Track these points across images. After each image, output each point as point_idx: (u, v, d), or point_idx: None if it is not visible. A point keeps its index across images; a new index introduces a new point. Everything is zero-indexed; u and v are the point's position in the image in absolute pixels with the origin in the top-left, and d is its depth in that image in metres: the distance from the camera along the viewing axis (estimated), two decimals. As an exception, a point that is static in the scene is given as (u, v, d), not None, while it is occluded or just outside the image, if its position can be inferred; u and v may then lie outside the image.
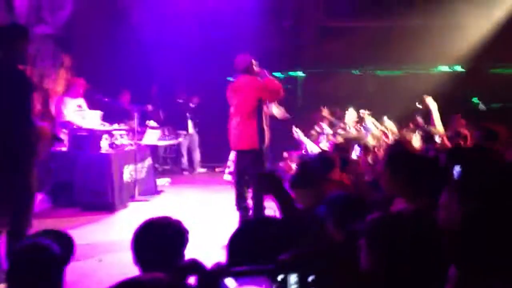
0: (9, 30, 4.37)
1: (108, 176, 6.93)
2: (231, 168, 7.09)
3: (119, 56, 9.60)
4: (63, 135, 7.20)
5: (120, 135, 7.66)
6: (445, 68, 13.37)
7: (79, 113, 7.44)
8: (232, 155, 6.77)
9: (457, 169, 2.87)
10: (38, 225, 4.09)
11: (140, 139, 8.06)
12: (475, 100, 13.41)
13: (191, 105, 10.42)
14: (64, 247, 2.22)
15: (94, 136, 7.08)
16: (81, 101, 7.59)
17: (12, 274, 2.11)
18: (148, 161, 8.24)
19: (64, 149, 7.12)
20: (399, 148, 4.72)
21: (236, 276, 0.80)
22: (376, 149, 6.51)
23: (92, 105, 7.77)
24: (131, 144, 7.73)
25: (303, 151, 8.02)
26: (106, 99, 7.89)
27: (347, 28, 11.84)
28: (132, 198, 7.50)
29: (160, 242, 2.26)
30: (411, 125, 9.10)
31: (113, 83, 9.10)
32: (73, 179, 6.97)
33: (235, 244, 2.33)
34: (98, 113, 7.56)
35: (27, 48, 4.38)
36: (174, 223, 2.35)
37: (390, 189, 3.12)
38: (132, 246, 2.27)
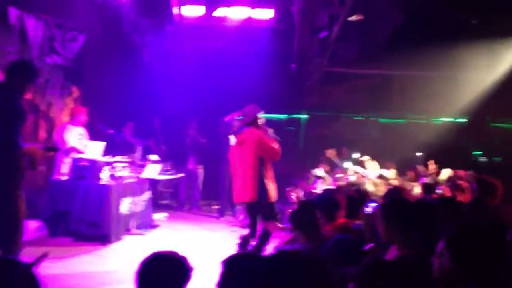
0: (22, 68, 4.52)
1: (106, 207, 6.92)
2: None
3: (126, 89, 9.78)
4: (65, 164, 7.28)
5: (122, 167, 7.70)
6: (447, 119, 13.51)
7: (81, 141, 7.50)
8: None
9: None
10: (32, 252, 4.09)
11: (141, 173, 8.10)
12: (476, 153, 13.51)
13: (200, 140, 10.44)
14: None
15: (95, 166, 7.13)
16: (82, 130, 7.64)
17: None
18: (147, 194, 8.25)
19: (64, 178, 7.17)
20: (395, 195, 4.76)
21: None
22: (374, 195, 6.56)
23: (95, 136, 7.83)
24: (132, 177, 7.76)
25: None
26: (110, 131, 7.97)
27: (350, 75, 12.05)
28: (127, 231, 7.49)
29: (165, 276, 2.28)
30: (412, 174, 9.19)
31: (118, 116, 9.23)
32: (71, 208, 6.97)
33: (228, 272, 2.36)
34: (101, 144, 7.62)
35: (31, 86, 4.58)
36: (180, 259, 2.37)
37: (385, 235, 3.16)
38: (137, 277, 2.28)
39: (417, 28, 9.29)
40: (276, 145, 5.89)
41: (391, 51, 9.90)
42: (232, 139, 6.13)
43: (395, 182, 7.68)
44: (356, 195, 5.42)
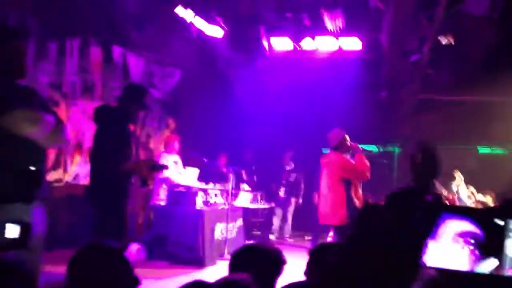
0: (133, 91, 4.78)
1: (200, 231, 7.12)
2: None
3: (220, 121, 10.13)
4: (162, 191, 7.64)
5: (215, 194, 7.93)
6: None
7: (175, 168, 7.83)
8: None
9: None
10: None
11: (233, 200, 8.27)
12: None
13: (292, 176, 10.52)
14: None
15: (190, 192, 7.41)
16: (177, 158, 7.98)
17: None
18: (239, 222, 8.39)
19: (162, 203, 7.52)
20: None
21: (457, 213, 0.78)
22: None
23: (190, 164, 8.15)
24: (224, 204, 7.95)
25: None
26: (205, 160, 8.26)
27: (445, 102, 11.63)
28: (221, 256, 7.61)
29: (258, 266, 2.32)
30: None
31: (212, 146, 9.56)
32: (168, 232, 7.26)
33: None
34: (195, 171, 7.91)
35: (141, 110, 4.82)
36: (274, 251, 2.41)
37: None
38: (230, 266, 2.32)
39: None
40: (365, 161, 5.90)
41: (488, 74, 9.45)
42: None
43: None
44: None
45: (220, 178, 8.71)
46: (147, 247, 7.32)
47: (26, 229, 2.68)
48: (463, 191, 8.06)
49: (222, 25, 9.32)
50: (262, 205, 9.83)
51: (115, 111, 4.66)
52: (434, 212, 0.72)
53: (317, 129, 11.27)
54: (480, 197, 7.85)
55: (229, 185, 8.25)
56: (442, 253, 0.69)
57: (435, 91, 10.75)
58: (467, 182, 9.27)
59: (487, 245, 0.65)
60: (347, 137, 6.06)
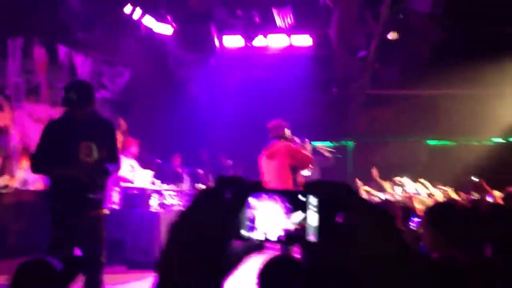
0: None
1: (156, 234, 7.00)
2: None
3: (173, 121, 9.99)
4: (116, 194, 7.44)
5: (170, 195, 7.80)
6: (498, 140, 13.04)
7: (131, 173, 7.67)
8: None
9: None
10: None
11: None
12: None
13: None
14: (69, 265, 2.28)
15: (144, 194, 7.26)
16: (134, 162, 7.81)
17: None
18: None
19: (116, 207, 7.32)
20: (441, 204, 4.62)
21: (262, 192, 0.85)
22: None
23: (144, 166, 7.99)
24: (180, 205, 7.83)
25: None
26: (159, 161, 8.11)
27: (395, 97, 11.90)
28: (179, 258, 7.49)
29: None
30: (463, 195, 8.88)
31: (165, 147, 9.41)
32: (124, 236, 7.09)
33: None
34: (149, 173, 7.76)
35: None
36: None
37: (431, 244, 3.03)
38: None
39: (459, 44, 9.12)
40: (307, 152, 6.03)
41: (434, 69, 9.73)
42: None
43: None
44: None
45: (175, 179, 8.57)
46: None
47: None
48: (420, 189, 8.24)
49: (172, 23, 9.19)
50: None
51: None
52: (242, 192, 0.76)
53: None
54: (436, 191, 8.04)
55: (184, 186, 8.14)
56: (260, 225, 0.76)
57: (384, 87, 10.98)
58: (420, 174, 9.50)
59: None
60: (287, 130, 6.12)
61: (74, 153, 4.00)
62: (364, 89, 10.78)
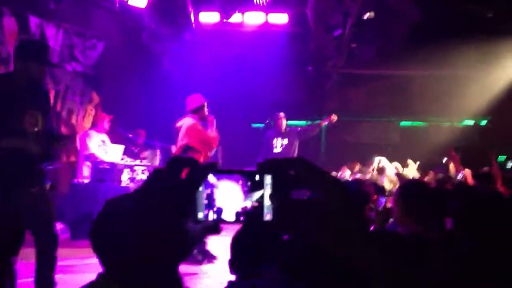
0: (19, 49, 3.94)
1: (126, 209, 7.00)
2: None
3: (146, 95, 9.91)
4: (86, 168, 7.42)
5: (141, 170, 7.80)
6: (470, 122, 13.24)
7: (102, 147, 7.63)
8: None
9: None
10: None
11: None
12: (501, 158, 13.12)
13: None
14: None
15: (115, 169, 7.25)
16: (105, 137, 7.76)
17: None
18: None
19: (86, 181, 7.31)
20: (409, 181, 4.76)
21: (220, 173, 0.87)
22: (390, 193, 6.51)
23: (115, 140, 7.95)
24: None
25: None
26: (130, 135, 8.08)
27: (370, 76, 11.97)
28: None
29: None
30: (432, 173, 9.06)
31: (137, 121, 9.34)
32: (93, 210, 7.08)
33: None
34: (120, 148, 7.74)
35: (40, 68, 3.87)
36: None
37: (401, 221, 3.14)
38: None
39: (434, 25, 9.18)
40: (212, 135, 6.06)
41: (409, 50, 9.79)
42: None
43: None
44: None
45: (142, 154, 8.51)
46: (70, 226, 7.13)
47: None
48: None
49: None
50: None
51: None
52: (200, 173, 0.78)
53: (246, 103, 11.32)
54: (404, 170, 8.19)
55: (156, 160, 8.14)
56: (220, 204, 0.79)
57: (359, 66, 11.03)
58: (392, 155, 9.62)
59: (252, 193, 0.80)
60: (205, 106, 6.17)
61: (18, 122, 3.70)
62: (339, 68, 10.82)
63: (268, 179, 0.84)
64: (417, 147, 11.86)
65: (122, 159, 7.71)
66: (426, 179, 8.29)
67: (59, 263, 4.09)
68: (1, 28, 7.26)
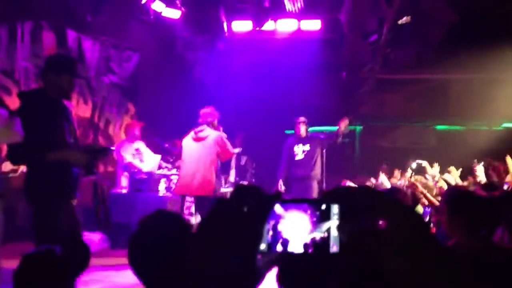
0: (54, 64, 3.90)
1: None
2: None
3: (181, 105, 9.99)
4: (124, 178, 7.50)
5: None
6: (509, 125, 12.93)
7: (137, 156, 7.67)
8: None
9: None
10: (94, 263, 4.10)
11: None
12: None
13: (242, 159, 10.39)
14: (78, 257, 2.29)
15: (152, 179, 7.31)
16: (140, 144, 7.76)
17: (19, 275, 2.16)
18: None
19: (124, 191, 7.39)
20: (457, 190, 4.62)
21: (286, 203, 0.84)
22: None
23: (152, 149, 8.00)
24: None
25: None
26: (166, 145, 8.13)
27: (405, 81, 11.80)
28: (186, 241, 7.54)
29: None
30: (471, 179, 8.84)
31: (174, 131, 9.41)
32: (131, 220, 7.14)
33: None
34: (157, 157, 7.79)
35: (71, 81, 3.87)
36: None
37: (449, 230, 3.05)
38: None
39: (472, 27, 8.98)
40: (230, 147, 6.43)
41: (447, 54, 9.61)
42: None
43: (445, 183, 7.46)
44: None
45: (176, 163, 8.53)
46: (110, 236, 7.21)
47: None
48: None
49: (181, 7, 9.14)
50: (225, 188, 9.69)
51: (34, 94, 4.00)
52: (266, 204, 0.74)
53: (280, 111, 11.28)
54: (446, 176, 7.99)
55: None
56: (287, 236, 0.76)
57: (394, 71, 10.88)
58: (428, 159, 9.44)
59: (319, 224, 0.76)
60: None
61: (60, 135, 3.73)
62: (374, 73, 10.69)
63: (335, 208, 0.81)
64: (453, 151, 11.62)
65: (158, 169, 7.76)
66: (465, 183, 8.10)
67: (99, 272, 4.12)
68: (40, 42, 7.43)
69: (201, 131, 6.35)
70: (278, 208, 0.82)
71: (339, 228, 0.80)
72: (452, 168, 8.30)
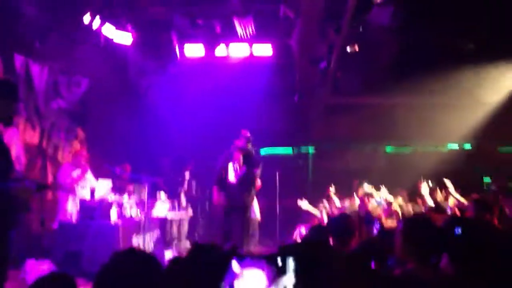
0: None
1: (116, 246, 6.89)
2: None
3: (133, 130, 9.89)
4: (73, 205, 7.31)
5: (130, 205, 7.71)
6: (454, 146, 13.41)
7: (82, 183, 7.50)
8: None
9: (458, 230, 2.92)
10: None
11: (150, 210, 8.08)
12: (486, 179, 13.25)
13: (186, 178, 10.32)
14: None
15: (103, 205, 7.15)
16: (81, 171, 7.53)
17: None
18: (156, 232, 8.23)
19: (73, 218, 7.20)
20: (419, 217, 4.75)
21: (242, 259, 0.86)
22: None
23: (102, 175, 7.85)
24: (141, 215, 7.75)
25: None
26: (117, 170, 8.01)
27: (355, 105, 12.10)
28: (139, 269, 7.40)
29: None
30: (420, 201, 9.09)
31: (124, 156, 9.29)
32: (82, 248, 6.95)
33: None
34: (108, 183, 7.64)
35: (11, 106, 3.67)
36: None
37: (403, 253, 3.12)
38: None
39: (416, 55, 9.39)
40: None
41: (392, 79, 9.98)
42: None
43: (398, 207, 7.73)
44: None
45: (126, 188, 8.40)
46: (60, 265, 6.98)
47: None
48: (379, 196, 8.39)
49: (132, 31, 9.10)
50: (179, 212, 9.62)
51: None
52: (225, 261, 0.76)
53: (232, 134, 11.32)
54: (391, 198, 8.21)
55: (144, 195, 8.05)
56: None
57: (345, 95, 11.16)
58: (378, 181, 9.65)
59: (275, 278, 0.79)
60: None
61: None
62: (325, 97, 10.93)
63: (291, 262, 0.82)
64: (403, 172, 11.93)
65: (109, 194, 7.60)
66: (415, 207, 8.33)
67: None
68: (-14, 68, 7.22)
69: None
70: (234, 265, 0.83)
71: (295, 286, 0.82)
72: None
